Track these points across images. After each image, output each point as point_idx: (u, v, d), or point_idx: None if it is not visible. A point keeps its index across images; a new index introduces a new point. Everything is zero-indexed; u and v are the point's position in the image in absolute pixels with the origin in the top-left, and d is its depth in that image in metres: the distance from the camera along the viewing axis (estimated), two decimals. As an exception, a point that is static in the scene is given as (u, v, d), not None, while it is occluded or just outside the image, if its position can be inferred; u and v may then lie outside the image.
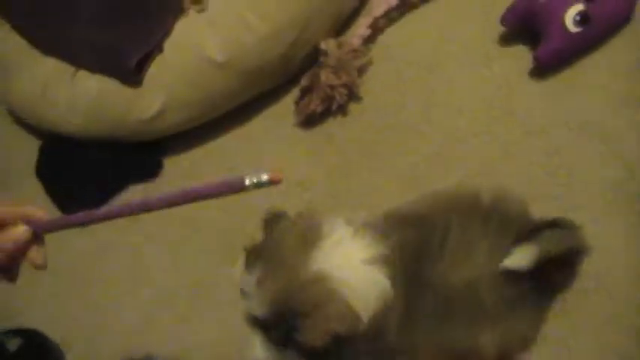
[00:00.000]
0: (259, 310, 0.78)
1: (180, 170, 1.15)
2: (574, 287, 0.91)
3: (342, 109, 1.13)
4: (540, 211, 0.94)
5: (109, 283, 1.09)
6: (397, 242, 0.80)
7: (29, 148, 1.21)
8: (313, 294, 0.76)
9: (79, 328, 1.06)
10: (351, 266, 0.78)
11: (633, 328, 0.90)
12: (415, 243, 0.82)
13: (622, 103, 1.02)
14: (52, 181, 1.16)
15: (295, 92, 1.14)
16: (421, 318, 0.81)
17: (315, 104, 1.11)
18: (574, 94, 1.04)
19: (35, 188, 1.18)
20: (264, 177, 0.63)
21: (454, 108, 1.08)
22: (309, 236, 0.79)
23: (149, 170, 1.16)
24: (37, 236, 0.69)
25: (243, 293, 0.80)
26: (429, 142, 1.07)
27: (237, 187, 0.63)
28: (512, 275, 0.78)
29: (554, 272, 0.81)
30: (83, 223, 0.69)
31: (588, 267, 0.91)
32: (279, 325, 0.78)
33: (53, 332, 1.05)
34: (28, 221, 0.68)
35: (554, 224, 0.82)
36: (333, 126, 1.13)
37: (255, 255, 0.81)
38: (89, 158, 1.14)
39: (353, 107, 1.13)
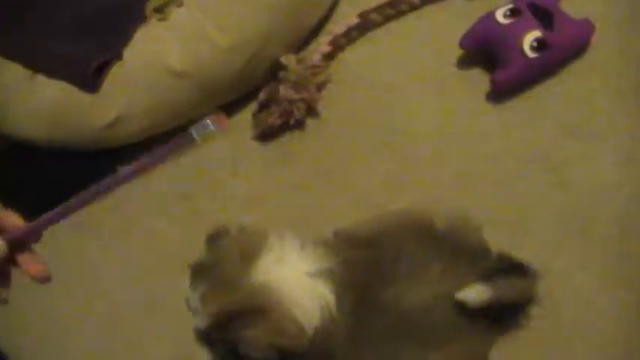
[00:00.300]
0: (203, 324, 0.79)
1: (136, 179, 1.14)
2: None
3: (300, 125, 1.13)
4: (494, 235, 0.96)
5: (63, 292, 1.07)
6: (345, 260, 0.81)
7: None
8: (254, 307, 0.77)
9: (31, 339, 1.06)
10: (294, 279, 0.79)
11: (580, 354, 0.92)
12: (365, 263, 0.82)
13: (572, 133, 1.03)
14: (9, 188, 1.15)
15: (254, 106, 1.14)
16: (370, 338, 0.81)
17: (273, 118, 1.11)
18: (527, 122, 1.06)
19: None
20: (209, 123, 0.65)
21: (410, 130, 1.10)
22: (251, 250, 0.80)
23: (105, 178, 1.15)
24: (22, 245, 0.69)
25: (190, 309, 0.81)
26: (385, 163, 1.08)
27: (187, 143, 0.66)
28: (464, 305, 0.79)
29: (505, 311, 0.83)
30: (61, 217, 0.71)
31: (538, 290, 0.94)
32: (223, 339, 0.79)
33: (3, 341, 1.04)
34: (2, 232, 0.66)
35: (513, 269, 0.85)
36: (290, 141, 1.13)
37: (198, 271, 0.82)
38: (43, 164, 1.13)
39: (311, 123, 1.14)
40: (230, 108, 1.16)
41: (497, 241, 0.96)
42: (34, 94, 1.08)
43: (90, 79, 1.06)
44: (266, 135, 1.14)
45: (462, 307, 0.79)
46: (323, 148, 1.11)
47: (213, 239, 0.84)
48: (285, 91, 1.10)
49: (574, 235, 0.98)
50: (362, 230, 0.90)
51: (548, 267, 0.95)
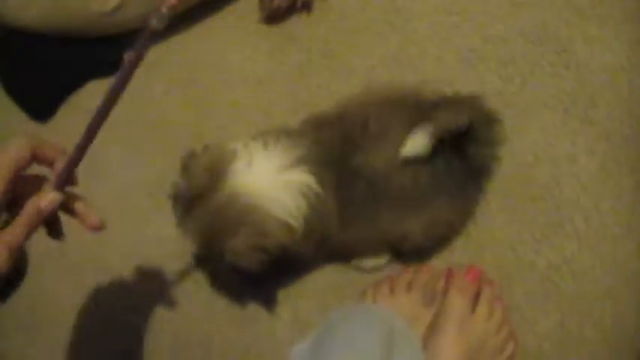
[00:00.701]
0: (193, 247, 0.83)
1: (141, 66, 1.14)
2: (523, 193, 0.95)
3: (307, 7, 1.12)
4: (498, 117, 0.96)
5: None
6: (315, 140, 0.81)
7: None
8: (231, 216, 0.77)
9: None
10: (266, 177, 0.79)
11: (574, 232, 0.94)
12: (334, 137, 0.82)
13: (582, 14, 1.02)
14: (9, 76, 1.15)
15: (259, -11, 1.12)
16: (356, 208, 0.82)
17: (279, 0, 1.09)
18: (535, 4, 1.03)
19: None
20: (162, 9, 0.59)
21: (414, 12, 1.08)
22: (219, 164, 0.79)
23: (110, 66, 1.14)
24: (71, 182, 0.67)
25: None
26: (388, 45, 1.07)
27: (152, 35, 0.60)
28: (424, 160, 0.78)
29: (466, 150, 0.82)
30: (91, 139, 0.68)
31: (535, 175, 0.95)
32: (212, 256, 0.81)
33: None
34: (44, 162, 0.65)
35: (447, 102, 0.83)
36: (296, 24, 1.12)
37: (175, 199, 0.83)
38: (48, 52, 1.11)
39: (318, 5, 1.12)
40: (235, -9, 1.15)
41: (503, 121, 0.97)
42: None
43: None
44: (272, 18, 1.12)
45: (424, 166, 0.79)
46: (329, 31, 1.10)
47: (186, 163, 0.83)
48: (292, -28, 1.08)
49: (579, 118, 0.98)
50: (327, 113, 0.88)
51: (551, 150, 0.97)
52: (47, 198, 0.64)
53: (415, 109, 0.81)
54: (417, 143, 0.77)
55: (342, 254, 0.94)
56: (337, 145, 0.81)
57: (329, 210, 0.81)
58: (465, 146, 0.81)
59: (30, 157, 0.64)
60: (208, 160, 0.80)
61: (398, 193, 0.81)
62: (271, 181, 0.79)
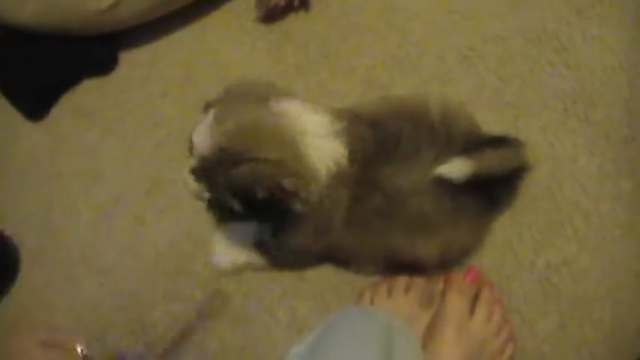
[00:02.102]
0: (211, 147, 0.75)
1: (137, 64, 1.14)
2: (523, 194, 0.94)
3: (305, 5, 1.11)
4: (493, 117, 0.96)
5: (62, 179, 1.09)
6: (351, 133, 0.80)
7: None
8: (269, 137, 0.75)
9: (32, 223, 1.06)
10: (314, 123, 0.78)
11: (574, 233, 0.93)
12: (369, 139, 0.82)
13: (581, 14, 1.01)
14: (3, 74, 1.13)
15: (257, -13, 1.11)
16: (366, 215, 0.82)
17: (277, -1, 1.09)
18: (534, 3, 1.03)
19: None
20: None
21: (413, 11, 1.07)
22: (269, 95, 0.78)
23: (104, 64, 1.14)
24: None
25: (194, 147, 0.78)
26: (387, 44, 1.06)
27: None
28: (451, 186, 0.79)
29: (494, 188, 0.83)
30: None
31: (535, 175, 0.95)
32: (227, 162, 0.75)
33: (6, 226, 1.05)
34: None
35: (499, 142, 0.83)
36: (294, 23, 1.11)
37: (209, 105, 0.80)
38: (42, 50, 1.10)
39: (315, 4, 1.11)
40: (233, -10, 1.14)
41: (503, 121, 0.97)
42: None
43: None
44: (270, 16, 1.11)
45: (450, 191, 0.79)
46: (327, 30, 1.10)
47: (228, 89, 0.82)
48: (289, -30, 1.07)
49: (578, 117, 0.97)
50: (364, 111, 0.88)
51: (551, 150, 0.96)
52: None
53: (445, 135, 0.82)
54: (457, 168, 0.78)
55: (340, 257, 0.93)
56: (368, 149, 0.81)
57: (340, 201, 0.80)
58: (492, 181, 0.82)
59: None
60: (260, 90, 0.80)
61: (414, 215, 0.81)
62: (317, 128, 0.78)
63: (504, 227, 0.94)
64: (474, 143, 0.81)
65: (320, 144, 0.77)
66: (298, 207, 0.77)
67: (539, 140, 0.97)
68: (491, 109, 0.98)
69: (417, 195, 0.80)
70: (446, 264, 0.89)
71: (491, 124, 0.97)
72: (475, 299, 0.87)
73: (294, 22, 1.11)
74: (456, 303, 0.85)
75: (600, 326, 0.89)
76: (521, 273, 0.92)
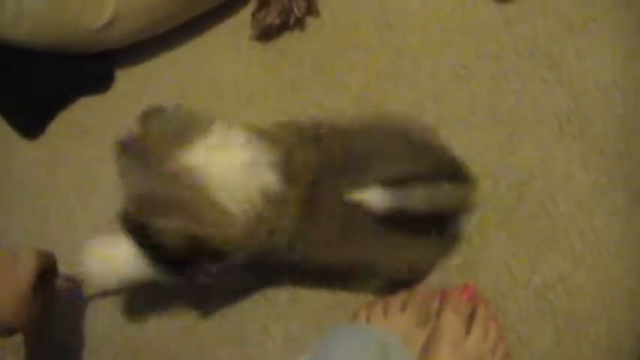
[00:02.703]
0: (125, 205, 0.72)
1: (132, 82, 1.14)
2: (517, 211, 0.94)
3: (300, 23, 1.11)
4: (486, 133, 0.96)
5: (59, 192, 1.09)
6: (293, 150, 0.77)
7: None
8: (173, 191, 0.70)
9: (29, 239, 1.07)
10: (229, 165, 0.72)
11: (570, 249, 0.93)
12: (316, 155, 0.78)
13: (574, 30, 1.01)
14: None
15: (252, 5, 1.12)
16: (319, 231, 0.80)
17: (272, 17, 1.09)
18: (527, 20, 1.03)
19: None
20: None
21: (407, 28, 1.07)
22: (188, 131, 0.72)
23: (100, 81, 1.14)
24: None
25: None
26: (381, 61, 1.06)
27: None
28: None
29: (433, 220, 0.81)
30: None
31: (530, 192, 0.95)
32: (138, 226, 0.72)
33: (3, 241, 1.06)
34: None
35: (445, 174, 0.79)
36: (289, 41, 1.12)
37: (122, 147, 0.75)
38: (37, 68, 1.10)
39: (310, 22, 1.12)
40: (227, 8, 1.14)
41: (496, 137, 0.97)
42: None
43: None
44: (265, 35, 1.12)
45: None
46: (322, 47, 1.10)
47: (147, 116, 0.76)
48: (285, -12, 1.07)
49: (573, 134, 0.97)
50: (309, 124, 0.84)
51: (545, 166, 0.96)
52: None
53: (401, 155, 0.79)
54: (376, 198, 0.74)
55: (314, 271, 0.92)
56: (315, 165, 0.77)
57: (287, 222, 0.77)
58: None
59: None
60: (181, 122, 0.74)
61: (364, 230, 0.79)
62: (233, 171, 0.72)
63: (499, 244, 0.94)
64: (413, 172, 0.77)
65: (239, 183, 0.72)
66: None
67: (534, 156, 0.97)
68: (485, 125, 0.98)
69: (363, 212, 0.77)
70: (407, 275, 0.90)
71: (484, 140, 0.98)
72: (471, 317, 0.86)
73: (290, 40, 1.11)
74: (451, 321, 0.85)
75: (597, 343, 0.89)
76: (516, 290, 0.92)
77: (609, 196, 0.94)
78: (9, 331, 0.81)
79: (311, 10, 1.11)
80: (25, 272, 0.80)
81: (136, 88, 1.13)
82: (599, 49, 1.01)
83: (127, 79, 1.14)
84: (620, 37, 1.01)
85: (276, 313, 0.95)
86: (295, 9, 1.08)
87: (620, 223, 0.93)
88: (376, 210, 0.75)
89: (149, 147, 0.72)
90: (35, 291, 0.81)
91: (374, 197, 0.74)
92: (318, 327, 0.94)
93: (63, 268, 1.00)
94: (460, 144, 0.94)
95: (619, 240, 0.92)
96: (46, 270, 0.86)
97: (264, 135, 0.78)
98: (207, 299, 0.98)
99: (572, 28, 1.01)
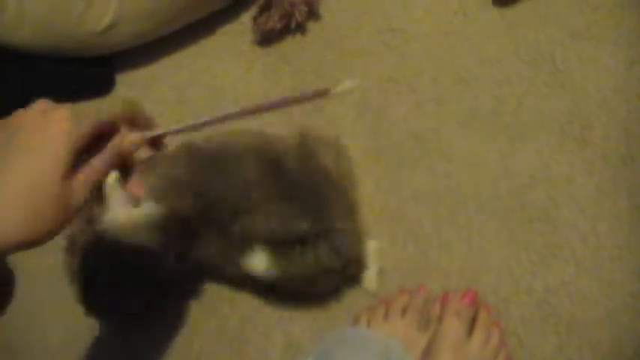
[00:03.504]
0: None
1: (133, 86, 1.14)
2: (519, 216, 0.94)
3: (301, 28, 1.11)
4: (489, 138, 0.96)
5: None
6: (174, 178, 0.82)
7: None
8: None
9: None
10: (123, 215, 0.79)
11: (572, 254, 0.93)
12: (203, 179, 0.82)
13: (576, 36, 1.01)
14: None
15: (253, 10, 1.12)
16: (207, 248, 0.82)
17: (273, 21, 1.09)
18: (529, 25, 1.03)
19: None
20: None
21: (410, 32, 1.07)
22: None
23: (101, 86, 1.14)
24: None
25: None
26: (383, 66, 1.06)
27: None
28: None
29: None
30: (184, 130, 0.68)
31: (532, 196, 0.94)
32: None
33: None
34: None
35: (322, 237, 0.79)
36: (290, 45, 1.12)
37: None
38: (38, 72, 1.10)
39: (311, 26, 1.12)
40: (228, 12, 1.14)
41: (498, 142, 0.97)
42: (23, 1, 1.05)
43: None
44: (266, 39, 1.12)
45: None
46: (323, 52, 1.10)
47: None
48: (286, -8, 1.07)
49: (575, 138, 0.97)
50: (206, 146, 0.87)
51: (548, 171, 0.96)
52: (128, 138, 0.63)
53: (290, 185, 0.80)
54: (259, 262, 0.77)
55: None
56: (200, 189, 0.80)
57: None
58: None
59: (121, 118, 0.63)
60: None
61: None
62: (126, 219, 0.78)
63: (501, 249, 0.93)
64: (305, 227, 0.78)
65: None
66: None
67: (535, 161, 0.97)
68: (487, 130, 0.98)
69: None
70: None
71: (486, 145, 0.97)
72: (472, 322, 0.86)
73: (291, 44, 1.11)
74: (453, 326, 0.84)
75: (599, 348, 0.88)
76: (518, 295, 0.91)
77: (612, 201, 0.94)
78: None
79: (312, 14, 1.11)
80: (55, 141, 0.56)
81: (137, 93, 1.13)
82: (602, 53, 1.00)
83: (128, 83, 1.14)
84: (623, 42, 1.01)
85: (277, 318, 0.95)
86: (296, 13, 1.08)
87: (623, 228, 0.93)
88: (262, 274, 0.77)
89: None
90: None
91: (256, 261, 0.78)
92: (319, 331, 0.93)
93: (60, 277, 1.00)
94: (462, 148, 0.94)
95: (622, 244, 0.92)
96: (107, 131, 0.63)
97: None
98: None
99: (575, 32, 1.01)
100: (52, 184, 0.54)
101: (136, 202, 0.78)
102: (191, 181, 0.83)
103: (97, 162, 0.60)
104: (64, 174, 0.55)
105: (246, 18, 1.14)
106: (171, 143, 0.76)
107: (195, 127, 0.67)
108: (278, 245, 0.77)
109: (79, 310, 0.99)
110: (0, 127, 0.59)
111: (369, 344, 0.80)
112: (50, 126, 0.57)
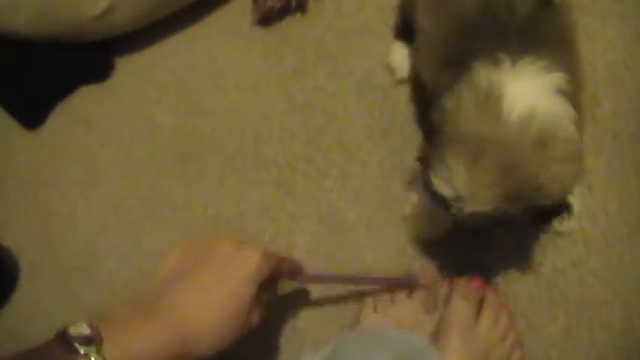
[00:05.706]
0: (482, 208, 0.64)
1: (132, 71, 1.12)
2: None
3: (302, 7, 1.09)
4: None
5: (60, 187, 1.07)
6: None
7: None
8: (530, 145, 0.62)
9: (30, 234, 1.05)
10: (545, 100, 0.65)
11: (581, 234, 0.91)
12: None
13: (581, 11, 0.99)
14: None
15: (253, -10, 1.10)
16: None
17: (273, 0, 1.07)
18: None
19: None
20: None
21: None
22: (488, 98, 0.64)
23: (100, 71, 1.12)
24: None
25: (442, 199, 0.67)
26: (386, 45, 1.04)
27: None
28: None
29: None
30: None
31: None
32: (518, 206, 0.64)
33: (4, 237, 1.04)
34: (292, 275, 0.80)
35: None
36: (291, 26, 1.10)
37: (433, 156, 0.66)
38: (36, 58, 1.08)
39: (312, 6, 1.10)
40: (228, -8, 1.13)
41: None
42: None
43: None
44: (266, 19, 1.10)
45: None
46: (324, 32, 1.08)
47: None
48: (286, -29, 1.05)
49: (584, 116, 0.95)
50: None
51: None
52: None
53: None
54: None
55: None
56: None
57: None
58: None
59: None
60: (476, 97, 0.65)
61: None
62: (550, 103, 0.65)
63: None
64: None
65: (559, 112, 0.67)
66: None
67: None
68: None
69: None
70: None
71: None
72: (480, 304, 0.85)
73: (291, 24, 1.09)
74: (460, 308, 0.83)
75: (609, 329, 0.87)
76: (526, 276, 0.90)
77: (621, 179, 0.92)
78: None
79: (312, -7, 1.09)
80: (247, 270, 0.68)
81: (136, 77, 1.11)
82: (608, 28, 0.98)
83: (126, 69, 1.12)
84: (631, 18, 0.99)
85: (282, 305, 0.94)
86: (296, -8, 1.06)
87: (633, 206, 0.91)
88: None
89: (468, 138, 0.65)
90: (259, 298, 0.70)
91: None
92: (324, 319, 0.92)
93: (65, 266, 0.99)
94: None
95: (632, 223, 0.91)
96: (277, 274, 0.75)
97: None
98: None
99: (580, 7, 0.99)
100: (245, 297, 0.67)
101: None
102: None
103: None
104: (254, 296, 0.67)
105: (246, -2, 1.11)
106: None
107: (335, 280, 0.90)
108: None
109: (83, 298, 0.99)
110: (184, 246, 0.70)
111: (387, 340, 0.77)
112: (245, 258, 0.68)
